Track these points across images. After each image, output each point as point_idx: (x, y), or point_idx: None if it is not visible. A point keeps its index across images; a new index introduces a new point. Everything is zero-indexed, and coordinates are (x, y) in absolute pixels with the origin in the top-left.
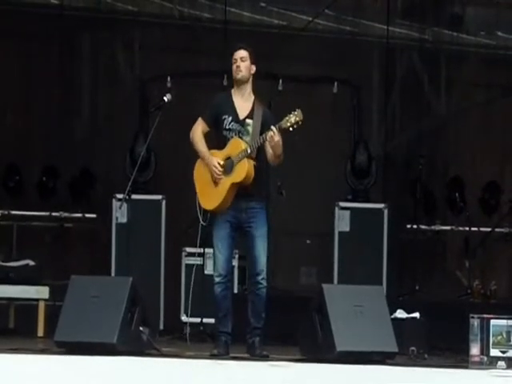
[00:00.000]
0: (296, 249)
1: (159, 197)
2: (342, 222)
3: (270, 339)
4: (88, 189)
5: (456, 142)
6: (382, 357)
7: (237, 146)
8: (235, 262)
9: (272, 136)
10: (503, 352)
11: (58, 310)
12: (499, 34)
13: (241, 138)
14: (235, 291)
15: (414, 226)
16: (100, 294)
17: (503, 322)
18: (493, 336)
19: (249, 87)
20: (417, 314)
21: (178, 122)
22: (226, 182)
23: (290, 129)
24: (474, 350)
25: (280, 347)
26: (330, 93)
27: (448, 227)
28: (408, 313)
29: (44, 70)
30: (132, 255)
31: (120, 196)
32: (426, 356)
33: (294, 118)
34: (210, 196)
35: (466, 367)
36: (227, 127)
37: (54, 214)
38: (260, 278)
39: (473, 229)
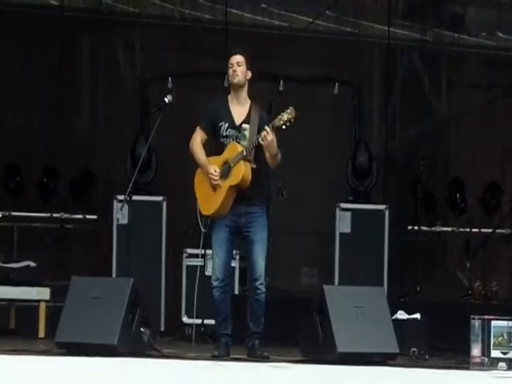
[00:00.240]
0: (297, 250)
1: (160, 198)
2: (343, 224)
3: (271, 340)
4: (88, 190)
5: (457, 143)
6: (383, 358)
7: (234, 149)
8: (236, 264)
9: (265, 135)
10: (504, 353)
11: (58, 311)
12: (500, 34)
13: (238, 143)
14: (236, 292)
15: (415, 227)
16: (101, 295)
17: (504, 323)
18: (494, 337)
19: (245, 92)
20: (418, 315)
21: (179, 122)
22: (224, 186)
23: (283, 127)
24: (475, 351)
25: (280, 348)
26: (331, 93)
27: (449, 228)
28: (409, 314)
29: (44, 71)
30: (133, 256)
31: (121, 197)
32: (426, 357)
33: (286, 115)
34: (209, 201)
35: (467, 368)
36: (224, 134)
37: (54, 215)
38: (258, 283)
39: (474, 230)
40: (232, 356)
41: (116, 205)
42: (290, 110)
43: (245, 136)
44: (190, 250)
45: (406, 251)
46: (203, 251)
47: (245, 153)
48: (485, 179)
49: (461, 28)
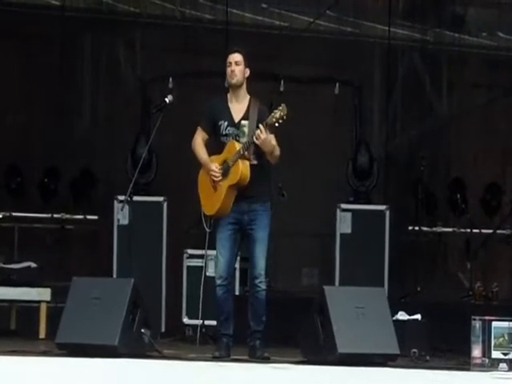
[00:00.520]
0: (297, 250)
1: (161, 198)
2: (344, 224)
3: (271, 341)
4: (89, 190)
5: (457, 143)
6: (384, 359)
7: (232, 148)
8: (237, 264)
9: (259, 134)
10: (505, 354)
11: (59, 312)
12: (501, 34)
13: (238, 140)
14: (236, 293)
15: (416, 228)
16: (101, 296)
17: (505, 323)
18: (494, 338)
19: (243, 89)
20: (418, 316)
21: (180, 123)
22: (224, 186)
23: (276, 124)
24: (476, 351)
25: (281, 349)
26: (332, 93)
27: (449, 229)
28: (409, 314)
29: (45, 71)
30: (133, 257)
31: (121, 197)
32: (427, 358)
33: (278, 113)
34: (211, 201)
35: (468, 369)
36: (224, 132)
37: (55, 215)
38: (258, 281)
39: (474, 230)
40: (233, 357)
41: (117, 205)
42: (282, 107)
43: (244, 133)
44: (190, 251)
45: (406, 252)
46: (204, 252)
47: (242, 151)
48: (485, 180)
49: (461, 28)
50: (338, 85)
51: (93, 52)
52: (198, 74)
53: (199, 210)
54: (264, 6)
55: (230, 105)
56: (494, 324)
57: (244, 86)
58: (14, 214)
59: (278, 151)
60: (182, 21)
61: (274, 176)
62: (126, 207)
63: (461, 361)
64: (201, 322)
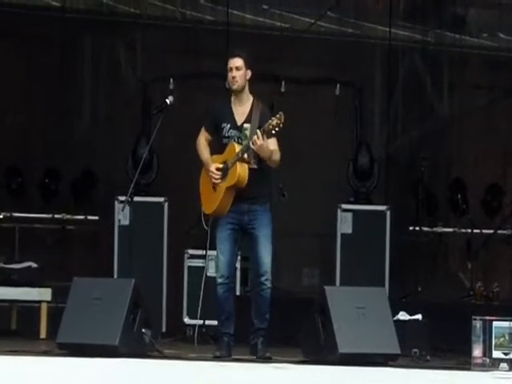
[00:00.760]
0: (298, 250)
1: (161, 199)
2: (345, 224)
3: (272, 341)
4: (90, 190)
5: (458, 144)
6: (385, 359)
7: (232, 150)
8: (237, 264)
9: (255, 140)
10: (505, 354)
11: (60, 312)
12: (501, 35)
13: (240, 143)
14: (237, 293)
15: (417, 228)
16: (102, 296)
17: (505, 323)
18: (495, 338)
19: (246, 92)
20: (419, 316)
21: (180, 123)
22: (222, 187)
23: (273, 131)
24: (477, 351)
25: (282, 349)
26: (333, 94)
27: (450, 229)
28: (410, 314)
29: (46, 72)
30: (134, 257)
31: (122, 198)
32: (428, 358)
33: (276, 120)
34: (210, 200)
35: (469, 369)
36: (226, 135)
37: (56, 216)
38: (264, 278)
39: (475, 231)
40: (234, 357)
41: (117, 206)
42: (280, 114)
43: (246, 136)
44: (191, 251)
45: (407, 252)
46: (205, 251)
47: (240, 155)
48: (486, 180)
49: (462, 29)
50: (338, 86)
51: (93, 53)
52: (198, 75)
53: (199, 209)
54: (265, 7)
55: (233, 107)
56: (495, 324)
57: (246, 88)
58: (14, 214)
59: (277, 156)
60: (183, 22)
61: (274, 176)
62: (127, 208)
63: (461, 361)
64: (200, 321)
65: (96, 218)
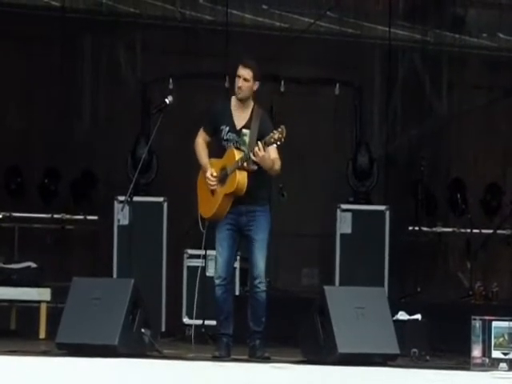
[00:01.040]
0: (297, 250)
1: (161, 199)
2: (344, 224)
3: (271, 341)
4: (89, 191)
5: (458, 144)
6: (384, 359)
7: (231, 157)
8: (237, 264)
9: (257, 151)
10: (505, 354)
11: (59, 312)
12: (501, 35)
13: (238, 148)
14: (237, 293)
15: (416, 228)
16: (102, 296)
17: (505, 323)
18: (494, 338)
19: (248, 99)
20: (418, 316)
21: (180, 123)
22: (220, 193)
23: (274, 145)
24: (476, 351)
25: (281, 349)
26: (332, 94)
27: (450, 229)
28: (410, 314)
29: (46, 72)
30: (134, 257)
31: (122, 198)
32: (427, 358)
33: (277, 134)
34: (208, 204)
35: (468, 369)
36: (225, 137)
37: (55, 216)
38: (257, 282)
39: (474, 231)
40: (233, 357)
41: (117, 206)
42: (282, 128)
43: (244, 141)
44: (190, 251)
45: (406, 252)
46: (204, 252)
47: (240, 163)
48: (486, 180)
49: (462, 29)
50: (338, 85)
51: (93, 53)
52: (198, 75)
53: (197, 211)
54: (264, 7)
55: (232, 110)
56: (494, 324)
57: (250, 97)
58: (14, 214)
59: (277, 165)
60: (183, 22)
61: (274, 176)
62: (127, 207)
63: (461, 361)
64: (197, 321)
65: (95, 217)
